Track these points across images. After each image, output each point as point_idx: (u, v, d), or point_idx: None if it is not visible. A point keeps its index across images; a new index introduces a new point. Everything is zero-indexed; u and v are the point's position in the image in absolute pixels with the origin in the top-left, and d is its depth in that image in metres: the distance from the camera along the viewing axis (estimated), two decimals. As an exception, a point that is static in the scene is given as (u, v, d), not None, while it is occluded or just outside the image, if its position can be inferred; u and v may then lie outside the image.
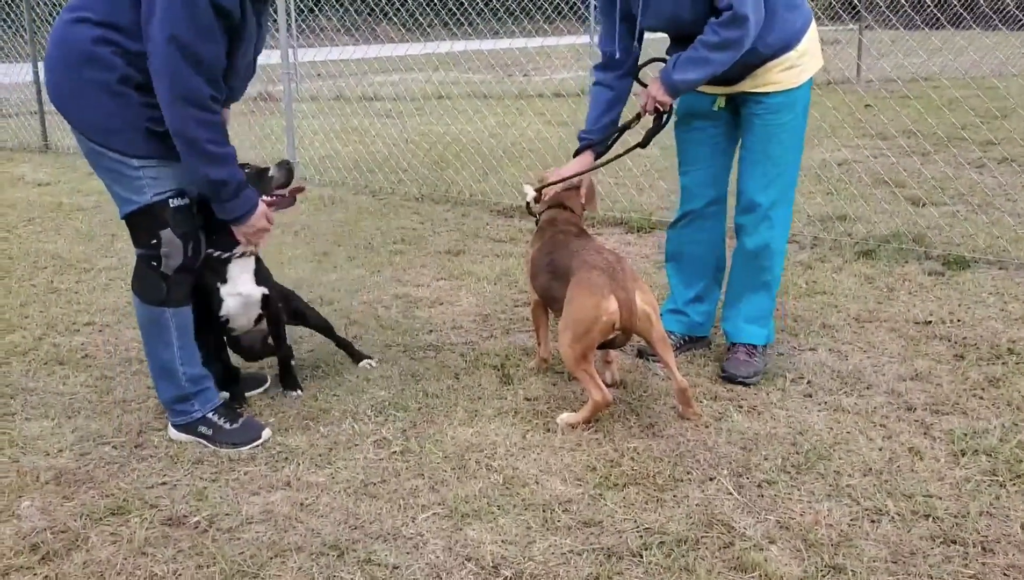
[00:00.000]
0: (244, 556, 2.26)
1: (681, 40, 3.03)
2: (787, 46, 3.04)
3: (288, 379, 3.23)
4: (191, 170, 2.62)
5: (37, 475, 2.65)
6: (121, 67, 2.52)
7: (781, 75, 3.09)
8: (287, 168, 2.99)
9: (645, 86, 3.14)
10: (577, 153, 3.32)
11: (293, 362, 3.32)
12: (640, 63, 3.22)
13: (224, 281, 2.98)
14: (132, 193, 2.66)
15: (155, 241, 2.70)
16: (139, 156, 2.60)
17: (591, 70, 3.36)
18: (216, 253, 2.94)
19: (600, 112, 3.26)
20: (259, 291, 3.05)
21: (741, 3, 2.81)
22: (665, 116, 3.16)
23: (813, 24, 3.12)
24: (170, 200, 2.68)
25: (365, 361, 3.45)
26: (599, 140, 3.28)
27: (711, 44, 2.89)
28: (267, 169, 2.96)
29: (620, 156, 3.37)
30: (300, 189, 3.05)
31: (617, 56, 3.17)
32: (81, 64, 2.53)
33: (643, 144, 3.28)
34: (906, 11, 6.66)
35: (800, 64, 3.09)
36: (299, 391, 3.21)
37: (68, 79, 2.57)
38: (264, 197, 2.90)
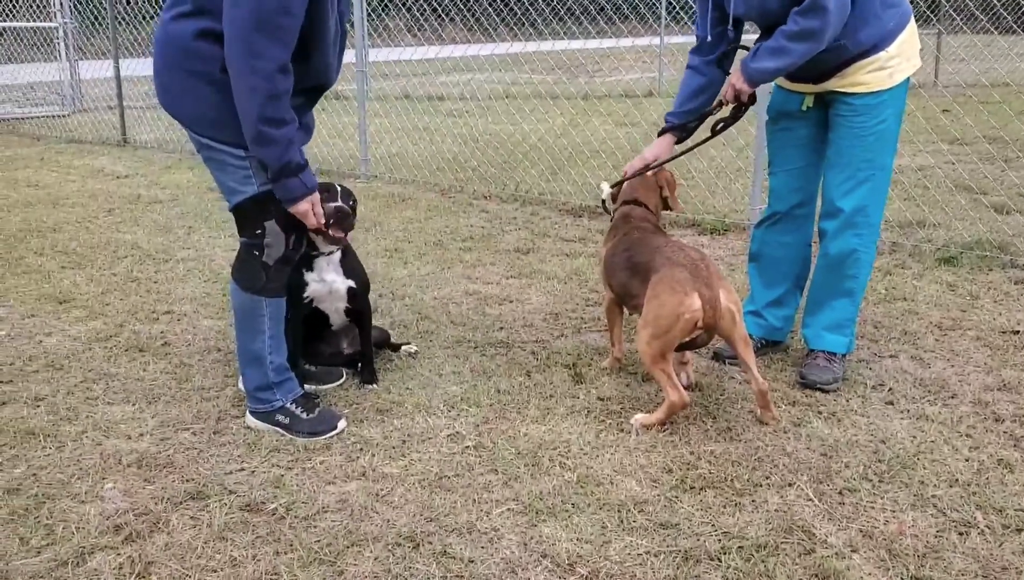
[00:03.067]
0: (321, 544, 2.27)
1: (770, 31, 2.97)
2: (877, 46, 2.95)
3: (367, 373, 3.26)
4: (263, 146, 2.55)
5: (119, 458, 2.71)
6: (221, 56, 2.52)
7: (869, 76, 3.00)
8: (344, 213, 2.98)
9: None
10: (660, 135, 3.30)
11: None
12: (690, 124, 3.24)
13: (311, 270, 3.11)
14: (239, 184, 2.69)
15: (260, 231, 2.73)
16: (245, 145, 2.61)
17: (688, 54, 3.31)
18: (310, 251, 3.07)
19: (687, 96, 3.24)
20: (345, 283, 3.15)
21: None
22: (744, 107, 3.11)
23: (911, 25, 3.01)
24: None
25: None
26: (680, 124, 3.25)
27: (790, 33, 2.83)
28: (334, 188, 3.03)
29: (693, 148, 3.34)
30: (342, 238, 3.02)
31: (708, 39, 3.14)
32: (184, 59, 2.57)
33: (715, 133, 3.24)
34: (996, 12, 6.45)
35: (890, 66, 2.99)
36: (375, 385, 3.23)
37: (174, 77, 2.61)
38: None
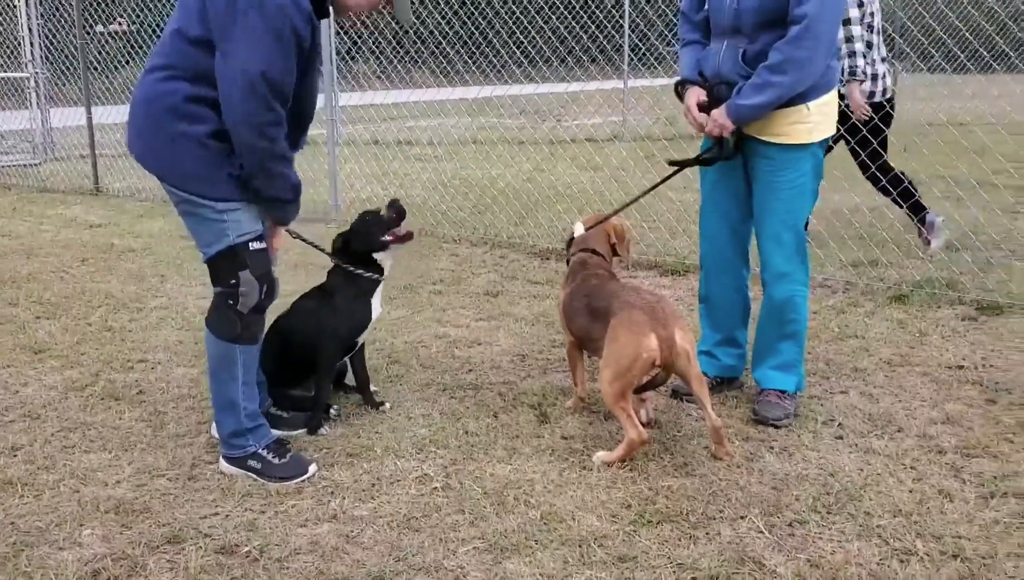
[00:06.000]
0: (294, 585, 2.36)
1: (724, 35, 3.15)
2: (807, 94, 3.09)
3: (370, 398, 3.53)
4: (278, 181, 2.80)
5: (97, 505, 2.79)
6: (212, 120, 2.70)
7: (789, 128, 3.15)
8: (398, 206, 3.37)
9: (718, 104, 3.19)
10: (684, 90, 3.34)
11: (373, 388, 3.68)
12: (708, 83, 3.28)
13: (373, 296, 3.41)
14: (216, 236, 2.82)
15: (234, 281, 2.85)
16: (223, 199, 2.76)
17: (680, 31, 3.46)
18: (372, 276, 3.39)
19: (695, 61, 3.33)
20: (380, 310, 3.46)
21: (820, 18, 2.88)
22: (726, 144, 3.23)
23: (834, 92, 3.20)
24: (250, 243, 2.85)
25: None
26: (699, 79, 3.31)
27: (773, 65, 2.98)
28: (378, 210, 3.37)
29: (664, 181, 3.52)
30: (411, 236, 3.41)
31: (697, 16, 3.33)
32: (173, 120, 2.71)
33: (696, 162, 3.37)
34: (950, 51, 6.70)
35: (811, 122, 3.14)
36: (387, 405, 3.52)
37: (159, 134, 2.74)
38: (389, 237, 3.36)
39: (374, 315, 3.41)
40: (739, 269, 3.53)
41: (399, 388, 3.76)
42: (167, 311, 4.95)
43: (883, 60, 5.71)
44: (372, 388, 3.65)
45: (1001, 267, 5.32)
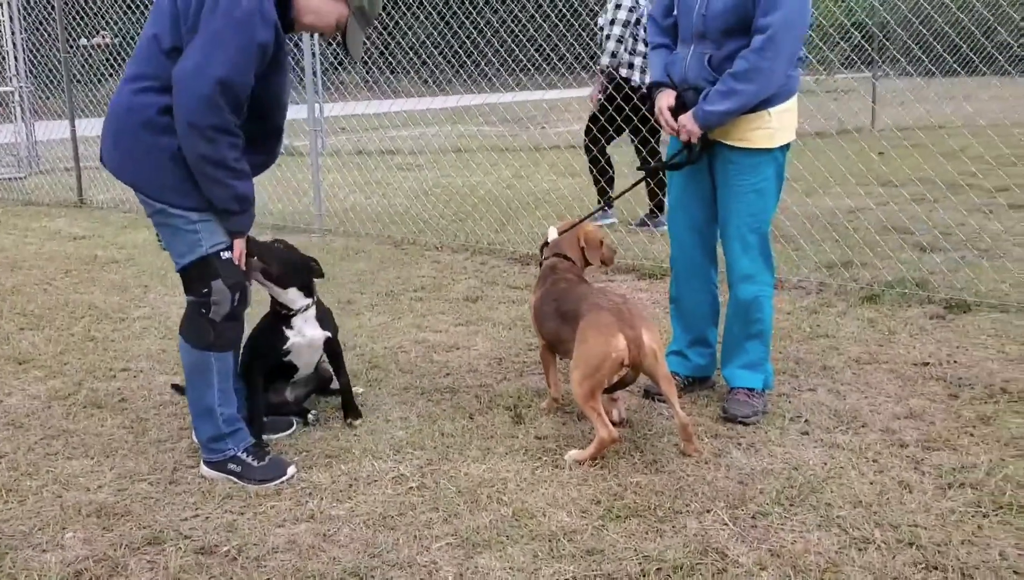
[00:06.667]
0: (271, 582, 2.44)
1: (691, 40, 3.23)
2: (770, 101, 3.19)
3: (351, 409, 3.51)
4: (218, 189, 2.78)
5: (79, 509, 2.85)
6: None
7: (752, 133, 3.25)
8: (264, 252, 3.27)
9: (686, 110, 3.29)
10: (657, 94, 3.43)
11: (358, 390, 3.76)
12: (677, 88, 3.36)
13: (290, 327, 3.34)
14: (189, 247, 2.88)
15: (206, 290, 2.91)
16: (196, 209, 2.83)
17: (649, 33, 3.54)
18: (283, 310, 3.33)
19: (665, 65, 3.41)
20: (323, 335, 3.41)
21: (784, 28, 2.97)
22: (692, 151, 3.32)
23: (795, 99, 3.30)
24: (221, 252, 2.91)
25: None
26: (669, 82, 3.39)
27: (738, 73, 3.07)
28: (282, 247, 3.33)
29: (634, 186, 3.60)
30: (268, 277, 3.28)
31: (665, 22, 3.41)
32: (149, 132, 2.77)
33: (665, 166, 3.47)
34: (917, 57, 6.85)
35: (772, 127, 3.24)
36: (360, 419, 3.49)
37: (137, 146, 2.81)
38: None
39: (291, 340, 3.32)
40: (707, 270, 3.62)
41: (378, 392, 3.83)
42: (150, 321, 5.01)
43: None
44: (357, 390, 3.73)
45: (970, 267, 5.43)
